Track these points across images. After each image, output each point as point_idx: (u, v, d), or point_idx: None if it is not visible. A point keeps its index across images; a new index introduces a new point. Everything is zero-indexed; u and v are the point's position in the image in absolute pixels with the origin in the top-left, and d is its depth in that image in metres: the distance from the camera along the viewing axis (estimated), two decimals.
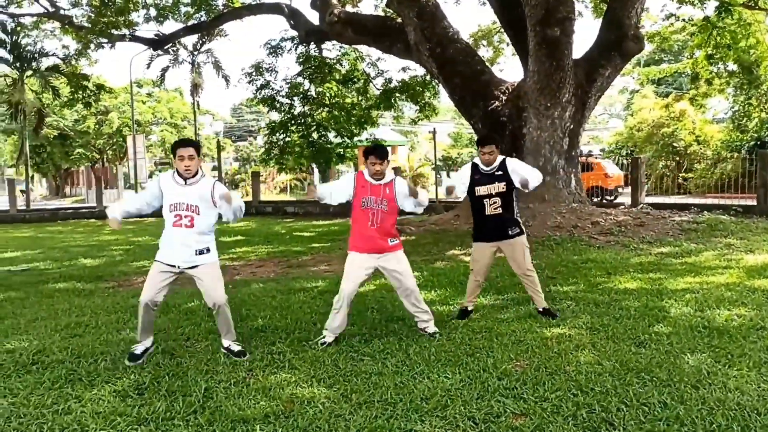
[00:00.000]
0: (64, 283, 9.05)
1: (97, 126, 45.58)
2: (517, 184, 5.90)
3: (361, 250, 5.37)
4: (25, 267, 10.89)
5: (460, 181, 6.09)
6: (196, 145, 5.03)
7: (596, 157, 23.22)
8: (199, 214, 4.90)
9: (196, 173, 4.91)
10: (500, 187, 5.86)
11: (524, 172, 5.90)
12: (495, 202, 5.86)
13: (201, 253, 4.96)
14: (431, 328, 5.48)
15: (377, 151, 5.36)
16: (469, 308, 6.17)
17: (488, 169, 5.90)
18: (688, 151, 25.04)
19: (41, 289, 8.66)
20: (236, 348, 5.07)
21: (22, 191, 29.33)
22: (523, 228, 6.10)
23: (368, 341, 5.33)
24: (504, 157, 6.00)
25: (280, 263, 10.67)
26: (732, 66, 20.08)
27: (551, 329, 5.50)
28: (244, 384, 4.38)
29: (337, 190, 5.54)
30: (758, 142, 22.52)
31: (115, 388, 4.37)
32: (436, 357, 4.83)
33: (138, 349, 5.01)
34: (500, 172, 5.88)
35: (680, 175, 24.16)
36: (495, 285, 7.50)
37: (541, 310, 6.05)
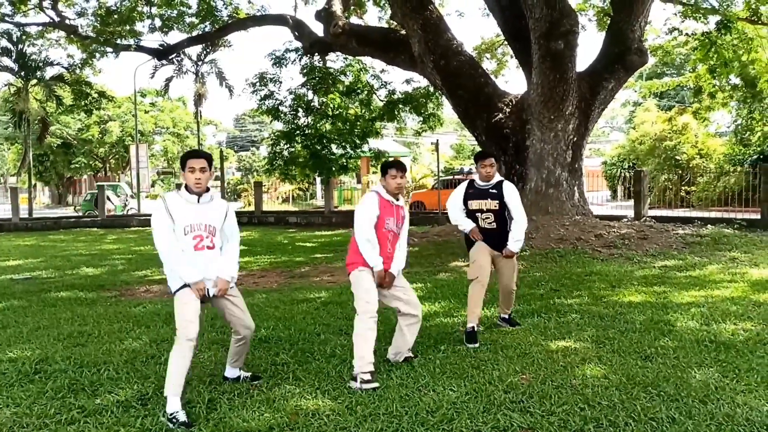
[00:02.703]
0: (67, 292, 9.03)
1: (100, 135, 45.68)
2: (510, 209, 5.84)
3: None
4: (27, 276, 10.87)
5: (455, 207, 5.93)
6: (208, 156, 4.41)
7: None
8: (215, 236, 4.38)
9: (207, 189, 4.37)
10: (492, 204, 5.78)
11: (514, 209, 5.79)
12: (488, 218, 5.81)
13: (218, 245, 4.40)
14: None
15: (399, 164, 5.00)
16: (476, 327, 5.59)
17: (483, 184, 5.84)
18: (691, 165, 25.02)
19: (43, 297, 8.64)
20: (250, 373, 4.76)
21: None
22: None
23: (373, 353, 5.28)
24: (503, 179, 5.94)
25: (282, 274, 10.65)
26: (735, 80, 20.12)
27: (556, 342, 5.47)
28: (248, 395, 4.35)
29: (371, 219, 4.84)
30: (761, 156, 22.48)
31: (118, 398, 4.35)
32: (441, 369, 4.80)
33: (180, 415, 3.94)
34: (495, 191, 5.81)
35: (683, 188, 24.11)
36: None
37: (505, 317, 6.14)
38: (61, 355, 5.44)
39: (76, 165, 48.88)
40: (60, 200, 58.61)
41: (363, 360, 4.53)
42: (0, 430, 3.83)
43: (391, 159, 5.39)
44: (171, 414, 3.92)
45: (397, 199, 5.01)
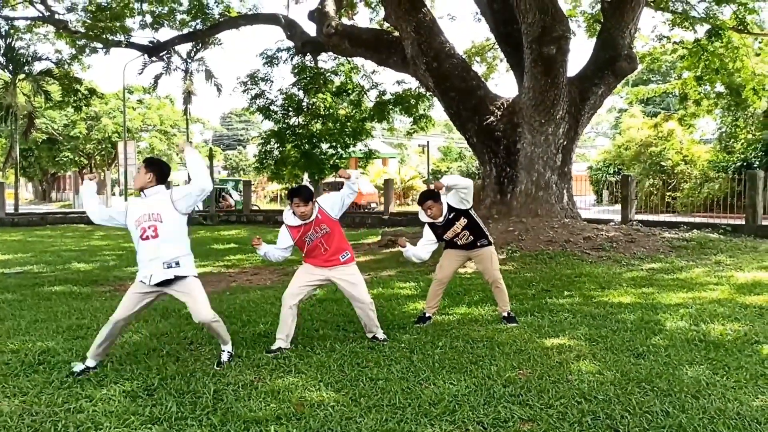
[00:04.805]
0: (60, 287, 9.06)
1: (86, 131, 45.36)
2: (460, 204, 6.11)
3: (314, 264, 5.62)
4: (18, 270, 10.87)
5: (428, 243, 6.22)
6: (148, 161, 5.00)
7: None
8: (162, 222, 4.74)
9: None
10: (461, 224, 6.15)
11: (454, 188, 6.03)
12: (464, 235, 6.21)
13: (170, 266, 4.75)
14: (380, 334, 5.70)
15: (299, 192, 5.42)
16: (428, 314, 6.40)
17: (441, 220, 6.12)
18: (675, 171, 25.38)
19: (37, 291, 8.66)
20: (224, 357, 5.03)
21: None
22: (491, 240, 6.43)
23: (372, 348, 5.40)
24: (446, 201, 6.11)
25: (275, 271, 10.72)
26: (720, 88, 20.46)
27: (551, 339, 5.60)
28: (252, 387, 4.44)
29: (283, 244, 5.67)
30: (745, 163, 22.88)
31: (124, 388, 4.41)
32: (440, 364, 4.91)
33: (78, 366, 4.80)
34: (452, 215, 6.11)
35: (667, 193, 24.45)
36: (492, 297, 7.59)
37: (504, 315, 6.36)
38: (63, 347, 5.49)
39: (62, 160, 48.42)
40: (44, 196, 58.12)
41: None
42: (10, 418, 3.89)
43: (297, 185, 5.66)
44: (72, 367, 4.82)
45: (307, 219, 5.41)
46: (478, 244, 6.26)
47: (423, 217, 6.17)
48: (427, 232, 6.24)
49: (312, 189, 5.51)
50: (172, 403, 4.09)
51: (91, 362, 4.83)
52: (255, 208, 28.01)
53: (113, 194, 43.57)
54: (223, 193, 30.75)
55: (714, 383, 4.38)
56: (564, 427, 3.71)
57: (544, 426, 3.72)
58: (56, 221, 24.49)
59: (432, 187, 6.22)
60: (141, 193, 4.89)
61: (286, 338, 5.44)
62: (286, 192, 5.62)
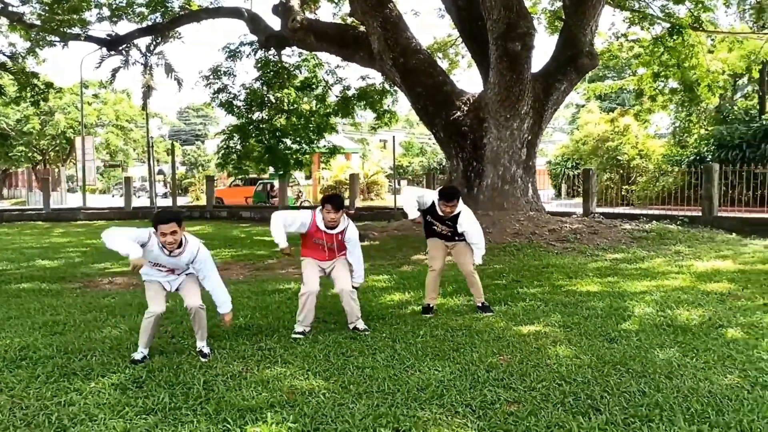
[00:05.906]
0: (28, 284, 8.92)
1: (40, 126, 44.17)
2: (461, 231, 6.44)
3: (316, 258, 5.90)
4: None
5: (412, 204, 6.42)
6: (177, 219, 4.93)
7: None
8: (187, 272, 5.26)
9: (181, 244, 4.94)
10: (450, 228, 6.42)
11: (472, 236, 6.41)
12: (447, 232, 6.47)
13: (183, 272, 5.24)
14: (361, 324, 5.83)
15: (333, 200, 5.71)
16: (432, 305, 6.55)
17: (443, 215, 6.35)
18: (631, 165, 26.05)
19: (5, 289, 8.54)
20: (206, 350, 5.12)
21: None
22: None
23: (354, 338, 5.51)
24: (461, 210, 6.33)
25: (246, 266, 10.72)
26: (673, 84, 21.09)
27: (527, 326, 5.79)
28: (241, 377, 4.51)
29: (296, 223, 5.78)
30: (698, 157, 23.58)
31: (112, 381, 4.44)
32: (423, 352, 5.05)
33: (137, 355, 4.99)
34: (450, 222, 6.37)
35: (624, 187, 25.07)
36: (465, 287, 7.76)
37: (479, 305, 6.56)
38: (42, 343, 5.45)
39: (14, 156, 47.04)
40: None
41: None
42: (1, 412, 3.88)
43: (330, 194, 5.89)
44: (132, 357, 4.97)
45: (331, 229, 5.72)
46: (456, 238, 6.46)
47: (429, 199, 6.34)
48: (427, 201, 6.36)
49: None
50: (164, 394, 4.13)
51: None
52: (307, 204, 27.80)
53: (68, 190, 42.62)
54: (274, 189, 30.27)
55: (685, 365, 4.62)
56: (548, 407, 3.88)
57: (529, 407, 3.88)
58: (12, 218, 23.87)
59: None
60: (164, 248, 4.89)
61: (310, 324, 5.76)
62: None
